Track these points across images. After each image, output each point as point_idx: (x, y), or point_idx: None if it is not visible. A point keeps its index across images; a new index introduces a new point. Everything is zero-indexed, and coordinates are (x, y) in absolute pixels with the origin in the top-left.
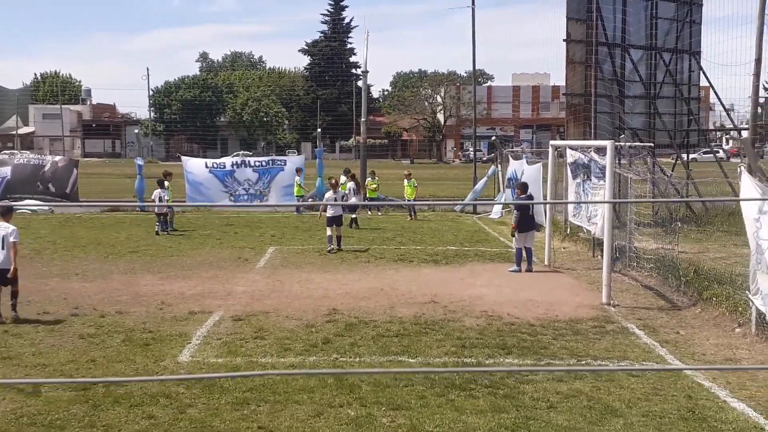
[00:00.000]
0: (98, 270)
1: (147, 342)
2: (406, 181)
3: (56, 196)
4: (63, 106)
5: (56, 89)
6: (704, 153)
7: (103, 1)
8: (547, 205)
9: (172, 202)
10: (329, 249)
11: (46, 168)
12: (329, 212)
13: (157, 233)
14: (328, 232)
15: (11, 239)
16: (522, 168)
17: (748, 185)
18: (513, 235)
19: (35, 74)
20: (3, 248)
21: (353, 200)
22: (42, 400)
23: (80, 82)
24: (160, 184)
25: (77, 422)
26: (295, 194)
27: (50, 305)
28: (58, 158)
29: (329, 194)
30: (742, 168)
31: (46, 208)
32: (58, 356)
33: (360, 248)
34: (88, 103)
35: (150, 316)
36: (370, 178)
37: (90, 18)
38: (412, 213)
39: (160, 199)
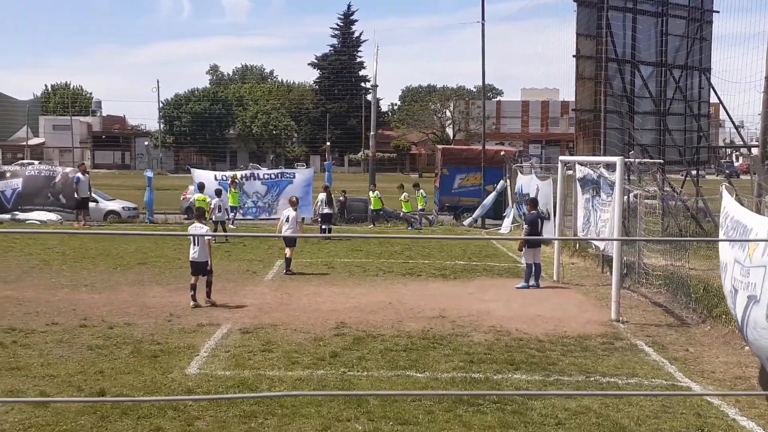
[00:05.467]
0: (107, 281)
1: (155, 354)
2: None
3: (66, 207)
4: (73, 117)
5: (67, 101)
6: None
7: (113, 12)
8: (556, 222)
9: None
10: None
11: (57, 179)
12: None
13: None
14: (289, 253)
15: (206, 237)
16: (531, 183)
17: (729, 201)
18: (520, 250)
19: (46, 86)
20: (198, 244)
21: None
22: (50, 411)
23: (91, 93)
24: (218, 194)
25: None
26: (374, 207)
27: (59, 316)
28: (68, 169)
29: (287, 212)
30: (723, 187)
31: (56, 218)
32: (67, 367)
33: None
34: (98, 114)
35: (158, 327)
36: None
37: (101, 30)
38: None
39: (219, 209)
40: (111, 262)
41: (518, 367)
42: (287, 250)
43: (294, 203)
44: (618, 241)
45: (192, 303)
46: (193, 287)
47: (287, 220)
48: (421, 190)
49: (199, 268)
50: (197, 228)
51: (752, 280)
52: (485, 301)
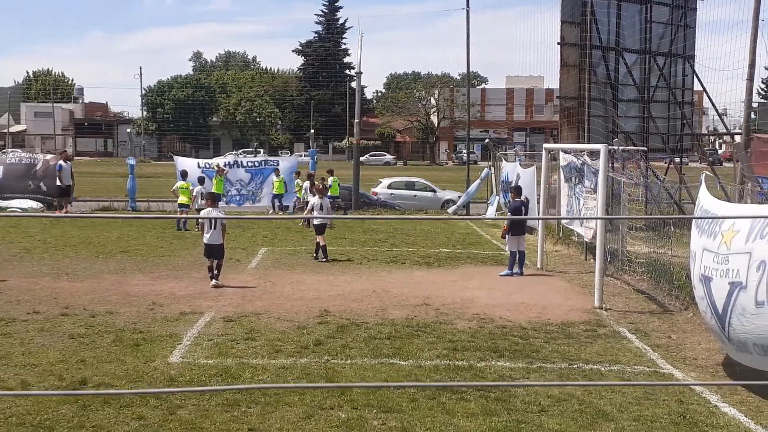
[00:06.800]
0: (89, 269)
1: (137, 342)
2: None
3: (48, 195)
4: (55, 104)
5: (48, 87)
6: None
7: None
8: (540, 210)
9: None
10: (324, 258)
11: (38, 167)
12: (316, 220)
13: (179, 229)
14: (322, 241)
15: (221, 221)
16: (516, 171)
17: (703, 191)
18: (504, 237)
19: (27, 72)
20: (214, 228)
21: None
22: (31, 400)
23: (72, 80)
24: (201, 181)
25: (66, 423)
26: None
27: (40, 305)
28: (49, 157)
29: (315, 200)
30: (703, 176)
31: (37, 206)
32: (48, 356)
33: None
34: (81, 101)
35: (140, 316)
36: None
37: (83, 16)
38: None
39: (202, 196)
40: (93, 250)
41: (502, 355)
42: (319, 238)
43: (321, 191)
44: (601, 228)
45: (213, 283)
46: (211, 269)
47: (320, 208)
48: (334, 176)
49: (213, 251)
50: (210, 212)
51: (733, 267)
52: (469, 288)
